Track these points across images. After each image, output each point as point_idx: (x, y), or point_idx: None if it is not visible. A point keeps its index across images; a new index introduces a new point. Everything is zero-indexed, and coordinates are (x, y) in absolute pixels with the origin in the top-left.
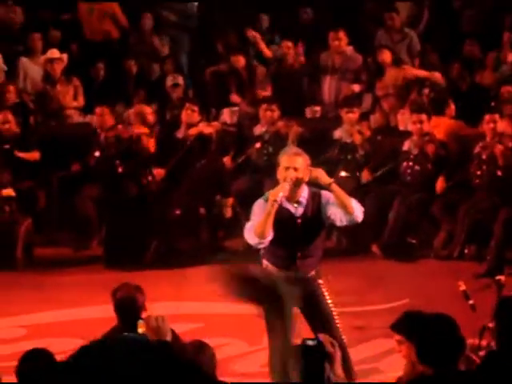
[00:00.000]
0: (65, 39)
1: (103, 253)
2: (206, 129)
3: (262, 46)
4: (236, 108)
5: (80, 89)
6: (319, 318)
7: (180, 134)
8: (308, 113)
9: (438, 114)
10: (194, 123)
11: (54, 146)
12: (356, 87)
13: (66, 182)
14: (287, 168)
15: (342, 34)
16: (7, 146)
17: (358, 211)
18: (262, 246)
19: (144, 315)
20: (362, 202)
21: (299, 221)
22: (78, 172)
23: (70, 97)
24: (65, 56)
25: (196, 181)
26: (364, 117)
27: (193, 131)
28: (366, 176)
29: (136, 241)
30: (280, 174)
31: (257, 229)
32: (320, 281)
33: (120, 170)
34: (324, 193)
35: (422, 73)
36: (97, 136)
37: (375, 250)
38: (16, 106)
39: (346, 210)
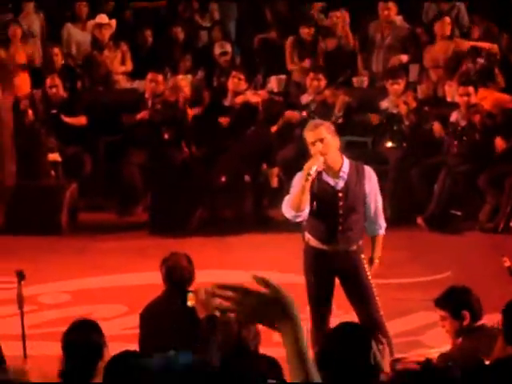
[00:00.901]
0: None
1: (148, 219)
2: (253, 97)
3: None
4: (283, 76)
5: (128, 54)
6: (358, 294)
7: (227, 101)
8: (355, 82)
9: (486, 85)
10: (240, 91)
11: (101, 111)
12: (404, 57)
13: (112, 148)
14: (313, 143)
15: (391, 4)
16: (54, 111)
17: (381, 226)
18: (299, 220)
19: (192, 287)
20: (408, 172)
21: (340, 194)
22: (126, 136)
23: (118, 62)
24: (113, 22)
25: (242, 149)
26: (410, 87)
27: (239, 99)
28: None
29: (181, 208)
30: (311, 149)
31: (292, 202)
32: (362, 255)
33: (166, 136)
34: (367, 168)
35: (481, 44)
36: (144, 102)
37: (420, 222)
38: (63, 70)
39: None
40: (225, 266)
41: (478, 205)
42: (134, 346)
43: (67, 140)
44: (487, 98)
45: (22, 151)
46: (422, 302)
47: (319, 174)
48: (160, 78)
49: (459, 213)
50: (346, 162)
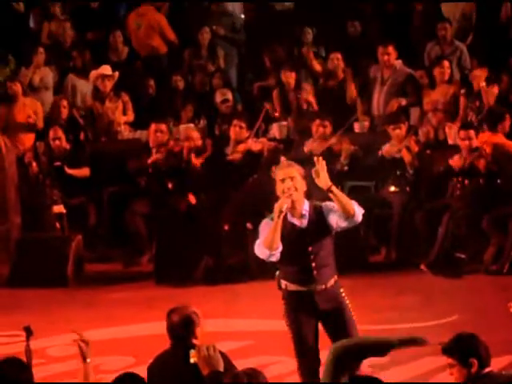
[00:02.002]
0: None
1: (154, 269)
2: (255, 145)
3: (312, 60)
4: (285, 123)
5: (129, 104)
6: (342, 332)
7: (229, 150)
8: (357, 127)
9: (493, 128)
10: (242, 140)
11: (104, 162)
12: (403, 101)
13: (116, 198)
14: (283, 180)
15: (391, 49)
16: (58, 163)
17: (358, 213)
18: (273, 259)
19: (195, 342)
20: (412, 216)
21: (306, 233)
22: (128, 188)
23: (120, 112)
24: (116, 73)
25: (244, 197)
26: (412, 130)
27: (241, 148)
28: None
29: (186, 257)
30: (278, 187)
31: (265, 241)
32: (341, 290)
33: (170, 186)
34: (325, 204)
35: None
36: (148, 152)
37: (423, 268)
38: (67, 122)
39: (346, 212)
40: (230, 315)
41: (482, 247)
42: None
43: (71, 191)
44: (493, 142)
45: (26, 203)
46: (431, 347)
47: (284, 216)
48: (163, 127)
49: (463, 256)
50: (306, 203)
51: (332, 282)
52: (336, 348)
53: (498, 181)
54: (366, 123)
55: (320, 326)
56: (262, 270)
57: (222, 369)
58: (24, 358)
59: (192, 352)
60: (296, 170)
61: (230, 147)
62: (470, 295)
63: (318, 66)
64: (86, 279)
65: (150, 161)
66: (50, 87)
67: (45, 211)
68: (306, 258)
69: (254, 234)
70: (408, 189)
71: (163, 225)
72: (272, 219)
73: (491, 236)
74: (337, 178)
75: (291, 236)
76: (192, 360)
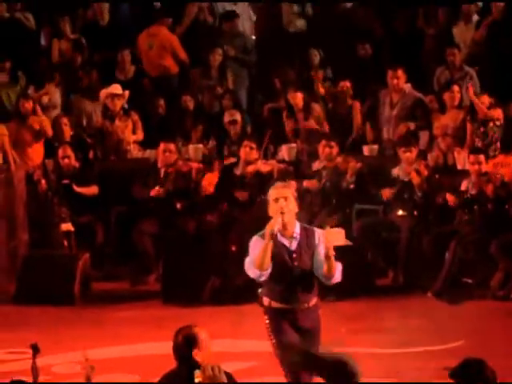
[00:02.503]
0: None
1: (161, 289)
2: (264, 167)
3: (318, 83)
4: (294, 145)
5: (139, 123)
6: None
7: (238, 171)
8: (366, 151)
9: (507, 152)
10: (252, 161)
11: (113, 180)
12: (412, 125)
13: (123, 217)
14: (277, 199)
15: (400, 72)
16: (66, 181)
17: (336, 277)
18: (262, 279)
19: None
20: (419, 240)
21: (295, 255)
22: (137, 206)
23: (129, 131)
24: (126, 92)
25: (252, 218)
26: (421, 154)
27: (250, 169)
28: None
29: (193, 277)
30: (271, 207)
31: (256, 261)
32: (320, 311)
33: (178, 206)
34: (317, 230)
35: (495, 113)
36: (156, 171)
37: (430, 295)
38: (75, 140)
39: (327, 273)
40: (237, 336)
41: (489, 273)
42: None
43: (79, 210)
44: (508, 165)
45: (34, 221)
46: (437, 371)
47: (274, 236)
48: (172, 147)
49: (471, 281)
50: (298, 225)
51: (314, 301)
52: None
53: (506, 206)
54: (375, 146)
55: None
56: None
57: None
58: (30, 376)
59: (197, 372)
60: (290, 191)
61: (240, 168)
62: (477, 320)
63: (322, 90)
64: (93, 298)
65: (152, 194)
66: (57, 106)
67: (53, 229)
68: (292, 278)
69: None
70: (416, 213)
71: (171, 245)
72: (262, 236)
73: (499, 261)
74: (344, 197)
75: (280, 256)
76: (197, 380)
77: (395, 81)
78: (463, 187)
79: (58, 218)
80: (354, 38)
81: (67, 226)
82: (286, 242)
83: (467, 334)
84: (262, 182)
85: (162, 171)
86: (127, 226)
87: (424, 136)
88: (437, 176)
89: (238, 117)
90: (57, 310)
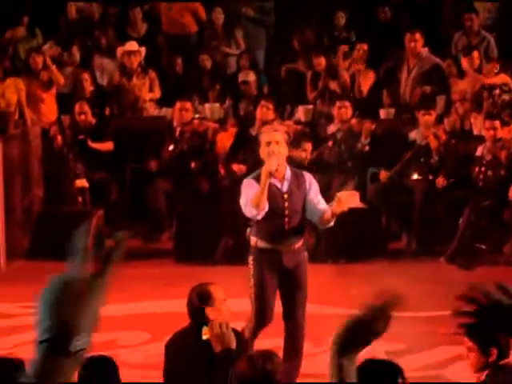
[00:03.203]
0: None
1: (173, 247)
2: (280, 127)
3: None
4: (311, 106)
5: (156, 81)
6: (293, 295)
7: (254, 131)
8: (382, 114)
9: None
10: (268, 121)
11: (129, 138)
12: (427, 89)
13: (138, 175)
14: (269, 143)
15: (418, 36)
16: (81, 137)
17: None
18: (258, 218)
19: (208, 311)
20: (433, 204)
21: (286, 196)
22: (152, 166)
23: (146, 89)
24: (143, 49)
25: None
26: (438, 119)
27: None
28: (440, 182)
29: (206, 236)
30: (263, 150)
31: (253, 201)
32: (305, 253)
33: (193, 165)
34: (306, 174)
35: (501, 79)
36: (172, 130)
37: (443, 260)
38: (93, 96)
39: (327, 222)
40: (247, 295)
41: (502, 238)
42: (157, 374)
43: (94, 166)
44: None
45: (49, 177)
46: (446, 336)
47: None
48: (188, 105)
49: (484, 246)
50: (288, 168)
51: (300, 244)
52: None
53: None
54: (392, 110)
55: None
56: None
57: (234, 347)
58: None
59: (205, 329)
60: (281, 135)
61: (256, 128)
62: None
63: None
64: None
65: (165, 153)
66: (76, 63)
67: (67, 185)
68: (281, 219)
69: None
70: (431, 177)
71: (184, 204)
72: (254, 178)
73: None
74: (359, 160)
75: (271, 197)
76: (204, 337)
77: (413, 44)
78: (478, 153)
79: (72, 174)
80: (375, 1)
81: (82, 183)
82: (277, 184)
83: None
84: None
85: (178, 130)
86: (142, 183)
87: (441, 101)
88: (453, 141)
89: (251, 77)
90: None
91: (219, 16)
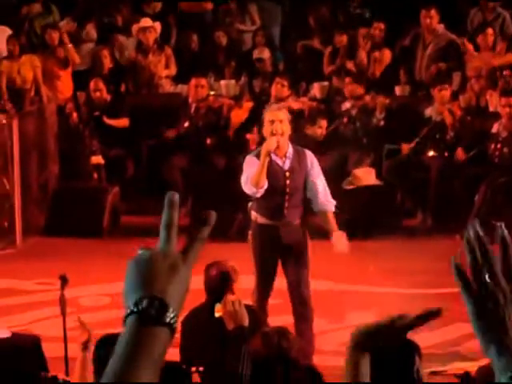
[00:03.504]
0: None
1: (189, 223)
2: (295, 104)
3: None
4: (326, 83)
5: (172, 58)
6: (295, 268)
7: None
8: (398, 91)
9: None
10: (283, 98)
11: (144, 114)
12: (443, 65)
13: (154, 151)
14: (272, 121)
15: (433, 12)
16: (97, 113)
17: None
18: (258, 195)
19: (230, 297)
20: (449, 181)
21: (287, 173)
22: (168, 141)
23: (162, 66)
24: (157, 24)
25: None
26: (453, 96)
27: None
28: (460, 155)
29: (222, 213)
30: (266, 128)
31: (253, 179)
32: (305, 229)
33: (208, 141)
34: (308, 152)
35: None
36: (187, 106)
37: (458, 238)
38: (109, 73)
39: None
40: None
41: None
42: (174, 351)
43: (110, 143)
44: None
45: (65, 153)
46: (461, 313)
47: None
48: (203, 81)
49: (499, 223)
50: (291, 146)
51: (298, 221)
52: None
53: None
54: (407, 86)
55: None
56: None
57: (246, 324)
58: (58, 306)
59: (217, 306)
60: (284, 114)
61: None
62: None
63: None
64: (121, 231)
65: (179, 129)
66: (93, 40)
67: (83, 161)
68: (282, 196)
69: None
70: (446, 154)
71: (200, 180)
72: (256, 156)
73: None
74: (374, 136)
75: (272, 174)
76: (217, 314)
77: (428, 20)
78: (494, 130)
79: (88, 150)
80: None
81: (97, 159)
82: (279, 162)
83: None
84: (293, 119)
85: (193, 106)
86: (157, 160)
87: (456, 77)
88: (469, 118)
89: (265, 55)
90: (85, 242)
91: None
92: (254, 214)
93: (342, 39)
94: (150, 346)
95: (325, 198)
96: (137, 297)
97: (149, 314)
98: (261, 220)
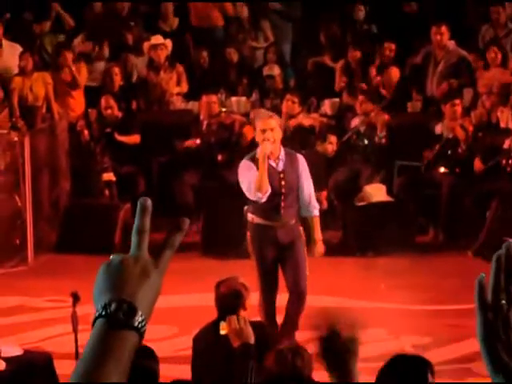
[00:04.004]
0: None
1: (201, 240)
2: (306, 120)
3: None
4: (337, 99)
5: (183, 75)
6: (293, 263)
7: None
8: (409, 107)
9: None
10: (294, 114)
11: (155, 131)
12: (454, 82)
13: (166, 168)
14: (264, 130)
15: (444, 29)
16: (108, 130)
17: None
18: (263, 201)
19: (242, 314)
20: (461, 198)
21: (282, 174)
22: (179, 157)
23: (173, 83)
24: (168, 42)
25: None
26: (465, 112)
27: (292, 122)
28: (477, 166)
29: (233, 230)
30: (258, 136)
31: (256, 184)
32: (301, 227)
33: (220, 158)
34: (299, 156)
35: None
36: (199, 123)
37: (470, 254)
38: (120, 90)
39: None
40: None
41: None
42: (185, 368)
43: (121, 160)
44: None
45: (76, 170)
46: (474, 329)
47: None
48: (214, 98)
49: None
50: (282, 149)
51: (293, 221)
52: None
53: None
54: (419, 103)
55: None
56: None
57: (252, 342)
58: (70, 323)
59: (222, 324)
60: (275, 121)
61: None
62: None
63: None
64: None
65: (188, 144)
66: (105, 59)
67: (94, 178)
68: (278, 197)
69: None
70: (458, 170)
71: (212, 197)
72: (250, 159)
73: None
74: (378, 152)
75: (268, 176)
76: (222, 332)
77: (439, 37)
78: (506, 145)
79: (99, 167)
80: None
81: (109, 176)
82: (273, 164)
83: None
84: (304, 135)
85: (205, 123)
86: (169, 176)
87: (468, 94)
88: (480, 134)
89: (275, 71)
90: (97, 259)
91: (243, 9)
92: (250, 216)
93: (356, 54)
94: (118, 350)
95: (310, 202)
96: (106, 300)
97: (117, 317)
98: (257, 220)
